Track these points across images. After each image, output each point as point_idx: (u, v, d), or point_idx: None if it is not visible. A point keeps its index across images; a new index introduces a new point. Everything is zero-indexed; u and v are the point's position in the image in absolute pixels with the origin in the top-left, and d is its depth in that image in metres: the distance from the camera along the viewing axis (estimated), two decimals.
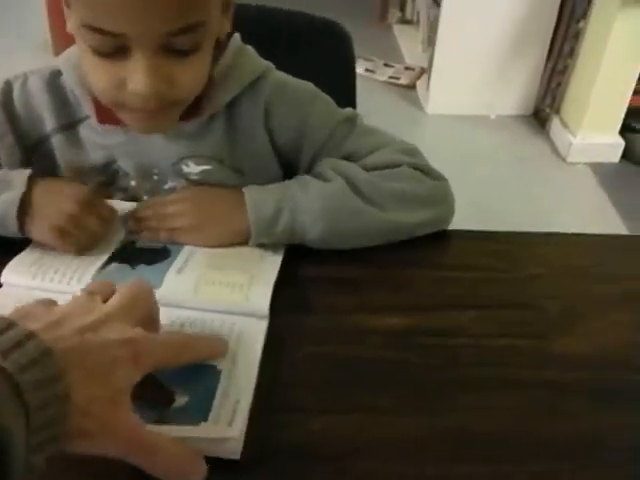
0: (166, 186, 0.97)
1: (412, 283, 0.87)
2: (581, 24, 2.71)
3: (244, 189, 0.89)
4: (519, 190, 2.49)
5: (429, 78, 3.04)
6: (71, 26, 0.80)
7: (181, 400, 0.67)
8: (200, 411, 0.65)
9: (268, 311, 0.78)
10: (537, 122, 3.03)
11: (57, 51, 2.98)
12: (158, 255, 0.86)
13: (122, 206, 0.92)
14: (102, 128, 0.93)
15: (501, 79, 2.99)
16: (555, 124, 2.88)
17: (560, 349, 0.79)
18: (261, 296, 0.79)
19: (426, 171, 0.95)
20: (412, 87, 3.20)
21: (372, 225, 0.89)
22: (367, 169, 0.92)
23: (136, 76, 0.77)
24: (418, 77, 3.22)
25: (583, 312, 0.85)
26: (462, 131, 2.78)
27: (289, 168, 0.98)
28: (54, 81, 0.93)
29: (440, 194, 0.95)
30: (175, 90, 0.80)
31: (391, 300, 0.84)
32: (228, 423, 0.64)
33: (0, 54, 3.26)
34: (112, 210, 0.89)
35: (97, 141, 0.94)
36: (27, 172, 0.85)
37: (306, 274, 0.86)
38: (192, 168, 0.95)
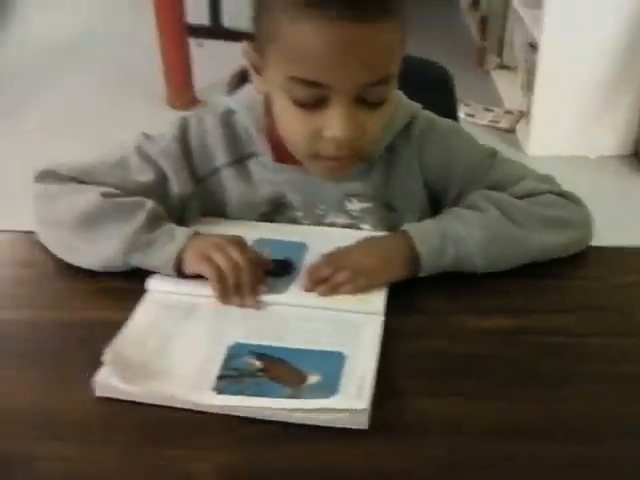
0: (328, 219, 1.08)
1: (511, 290, 0.97)
2: None
3: (407, 227, 0.97)
4: (621, 229, 2.51)
5: (529, 121, 3.11)
6: (270, 83, 0.93)
7: (312, 379, 0.78)
8: (330, 387, 0.77)
9: (384, 309, 0.89)
10: (637, 161, 3.05)
11: (171, 102, 3.20)
12: (282, 266, 0.97)
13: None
14: (274, 165, 1.04)
15: (599, 120, 3.03)
16: None
17: None
18: (377, 297, 0.91)
19: (567, 197, 1.04)
20: (512, 130, 3.26)
21: (526, 249, 0.98)
22: (515, 198, 1.01)
23: (334, 123, 0.88)
24: (517, 120, 3.29)
25: None
26: (563, 172, 2.74)
27: (435, 203, 1.08)
28: (227, 119, 1.06)
29: (582, 218, 1.05)
30: (364, 139, 0.92)
31: (492, 304, 0.94)
32: (356, 397, 0.75)
33: (119, 106, 3.47)
34: (254, 252, 0.96)
35: (267, 177, 1.06)
36: (190, 231, 0.95)
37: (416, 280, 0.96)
38: (355, 205, 1.07)
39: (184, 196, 1.05)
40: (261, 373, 0.80)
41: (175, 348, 0.84)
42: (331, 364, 0.81)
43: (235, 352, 0.83)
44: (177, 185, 1.04)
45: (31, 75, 3.84)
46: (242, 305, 0.90)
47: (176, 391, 0.77)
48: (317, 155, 0.93)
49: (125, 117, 3.20)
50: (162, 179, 1.04)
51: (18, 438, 0.75)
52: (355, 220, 1.08)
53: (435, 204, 1.09)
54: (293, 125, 0.93)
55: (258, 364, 0.81)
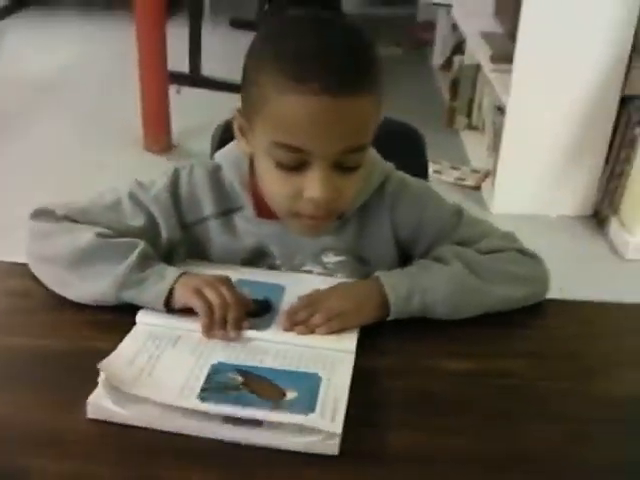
0: (304, 268, 1.16)
1: (474, 335, 1.06)
2: (637, 130, 2.88)
3: (379, 274, 1.06)
4: (578, 287, 2.61)
5: (494, 180, 3.24)
6: (254, 145, 1.01)
7: (291, 395, 0.86)
8: (307, 404, 0.84)
9: (355, 348, 0.98)
10: (596, 222, 3.17)
11: (148, 146, 3.29)
12: (262, 306, 1.05)
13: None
14: (256, 220, 1.13)
15: (562, 181, 3.16)
16: (614, 224, 3.02)
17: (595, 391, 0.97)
18: (349, 337, 1.00)
19: (527, 254, 1.14)
20: (477, 188, 3.38)
21: (485, 300, 1.07)
22: (479, 253, 1.10)
23: (313, 185, 0.96)
24: (483, 179, 3.41)
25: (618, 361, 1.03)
26: (525, 229, 2.84)
27: (405, 256, 1.17)
28: (215, 173, 1.14)
29: (539, 274, 1.14)
30: (340, 200, 1.00)
31: (457, 348, 1.03)
32: (331, 418, 0.82)
33: (95, 145, 3.56)
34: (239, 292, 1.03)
35: (250, 229, 1.14)
36: (179, 271, 1.03)
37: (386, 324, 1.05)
38: (330, 258, 1.16)
39: (172, 241, 1.13)
40: (242, 387, 0.88)
41: (162, 366, 0.91)
42: (307, 383, 0.89)
43: (218, 369, 0.91)
44: (166, 230, 1.11)
45: (12, 112, 3.90)
46: (225, 339, 0.97)
47: (163, 398, 0.84)
48: (297, 214, 1.01)
49: (103, 160, 3.28)
50: (152, 224, 1.11)
51: (15, 455, 0.81)
52: (330, 271, 1.16)
53: (404, 256, 1.18)
54: (275, 186, 1.01)
55: (240, 379, 0.89)
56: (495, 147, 3.32)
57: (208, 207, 1.13)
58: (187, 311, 1.00)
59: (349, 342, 0.99)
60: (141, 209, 1.11)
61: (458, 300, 1.05)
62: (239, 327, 0.98)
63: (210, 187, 1.13)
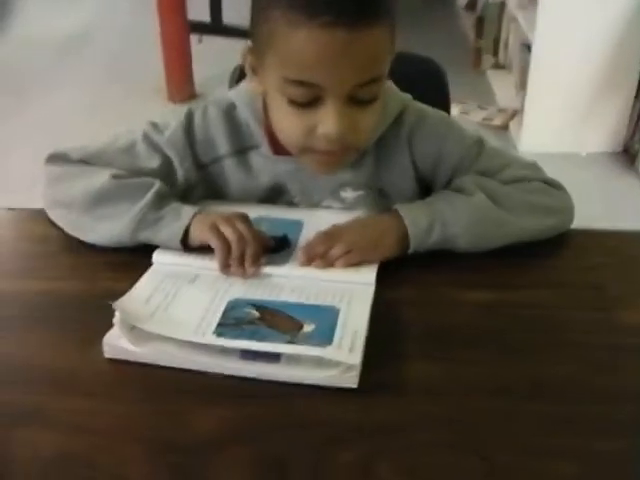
0: (323, 204, 1.15)
1: (496, 267, 1.04)
2: None
3: (398, 207, 1.04)
4: (608, 221, 2.57)
5: (522, 119, 3.19)
6: (267, 83, 0.98)
7: (308, 327, 0.85)
8: (325, 336, 0.83)
9: (374, 280, 0.96)
10: (627, 158, 3.12)
11: (171, 96, 3.26)
12: (280, 242, 1.03)
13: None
14: (273, 157, 1.11)
15: (591, 118, 3.10)
16: None
17: (619, 320, 0.95)
18: (368, 269, 0.98)
19: (551, 184, 1.11)
20: (505, 128, 3.33)
21: (509, 232, 1.04)
22: (502, 184, 1.07)
23: (327, 121, 0.94)
24: (511, 118, 3.36)
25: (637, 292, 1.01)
26: (554, 168, 2.84)
27: (425, 188, 1.15)
28: (230, 112, 1.11)
29: (564, 204, 1.11)
30: (357, 135, 0.97)
31: (478, 279, 1.01)
32: (349, 350, 0.81)
33: (118, 99, 3.56)
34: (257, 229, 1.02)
35: (266, 167, 1.12)
36: (196, 209, 1.02)
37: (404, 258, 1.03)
38: (349, 193, 1.14)
39: (188, 182, 1.12)
40: (259, 321, 0.87)
41: (178, 303, 0.91)
42: (325, 316, 0.88)
43: (235, 305, 0.90)
44: (182, 171, 1.10)
45: (34, 73, 3.90)
46: (243, 275, 0.96)
47: (179, 335, 0.83)
48: (311, 150, 0.99)
49: (127, 111, 3.25)
50: (168, 166, 1.10)
51: (33, 393, 0.82)
52: (349, 206, 1.14)
53: (425, 189, 1.15)
54: (288, 123, 0.98)
55: (256, 314, 0.88)
56: (522, 85, 3.26)
57: (223, 146, 1.12)
58: (205, 250, 0.99)
59: (368, 274, 0.97)
60: (156, 151, 1.09)
61: (481, 232, 1.03)
62: (256, 263, 0.97)
63: (225, 126, 1.11)
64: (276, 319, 0.87)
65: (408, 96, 1.14)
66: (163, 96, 3.52)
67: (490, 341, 0.90)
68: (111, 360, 0.85)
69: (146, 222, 1.01)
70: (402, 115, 1.12)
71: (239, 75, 1.37)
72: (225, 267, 0.97)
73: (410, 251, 1.02)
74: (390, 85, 1.11)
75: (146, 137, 1.10)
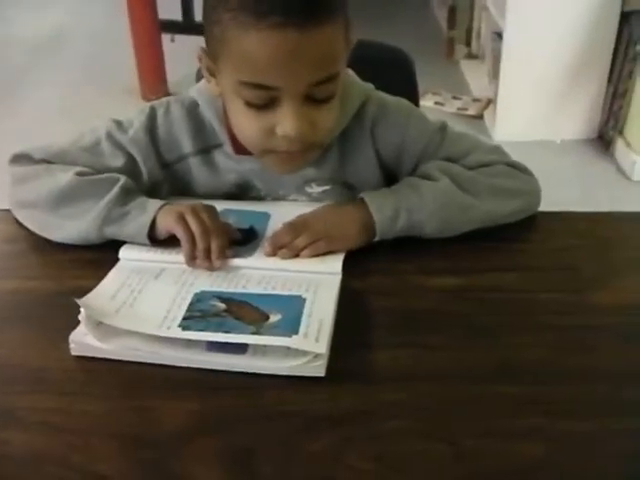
0: (289, 198, 1.15)
1: (462, 252, 1.04)
2: (639, 47, 2.81)
3: (364, 196, 1.04)
4: (586, 207, 2.57)
5: (495, 108, 3.19)
6: (223, 86, 0.97)
7: (274, 318, 0.85)
8: (291, 326, 0.83)
9: (341, 269, 0.96)
10: (601, 144, 3.13)
11: (144, 95, 3.24)
12: (247, 234, 1.03)
13: None
14: (237, 157, 1.10)
15: (565, 105, 3.11)
16: (619, 145, 2.97)
17: (592, 301, 0.95)
18: (335, 259, 0.99)
19: (516, 167, 1.11)
20: (480, 117, 3.34)
21: (475, 216, 1.04)
22: (466, 168, 1.07)
23: (285, 122, 0.93)
24: (485, 107, 3.37)
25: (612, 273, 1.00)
26: (529, 156, 2.84)
27: (390, 177, 1.14)
28: (193, 110, 1.11)
29: (529, 186, 1.11)
30: (316, 133, 0.97)
31: (444, 265, 1.01)
32: (315, 339, 0.81)
33: (91, 99, 3.53)
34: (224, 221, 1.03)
35: (231, 166, 1.12)
36: (162, 202, 1.02)
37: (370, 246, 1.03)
38: (315, 189, 1.14)
39: (153, 180, 1.11)
40: (225, 313, 0.87)
41: (144, 299, 0.91)
42: (291, 306, 0.88)
43: (200, 297, 0.90)
44: (146, 170, 1.10)
45: (7, 73, 3.87)
46: (209, 268, 0.96)
47: (144, 329, 0.83)
48: (272, 150, 0.99)
49: (101, 111, 3.21)
50: (132, 164, 1.09)
51: (3, 393, 0.81)
52: (316, 200, 1.14)
53: (390, 178, 1.15)
54: (246, 125, 0.98)
55: (222, 306, 0.88)
56: (495, 74, 3.27)
57: (187, 145, 1.11)
58: (172, 244, 0.99)
59: (334, 263, 0.97)
60: (119, 150, 1.09)
61: (446, 217, 1.03)
62: (222, 256, 0.97)
63: (188, 124, 1.11)
64: (242, 310, 0.87)
65: (370, 86, 1.14)
66: (136, 96, 3.50)
67: (456, 326, 0.90)
68: (79, 357, 0.84)
69: (112, 217, 1.00)
70: (364, 106, 1.11)
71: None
72: (191, 259, 0.97)
73: (376, 239, 1.02)
74: (351, 76, 1.11)
75: (110, 136, 1.09)
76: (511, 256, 1.04)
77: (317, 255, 0.99)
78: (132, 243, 1.02)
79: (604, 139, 3.12)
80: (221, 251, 0.97)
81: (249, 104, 0.94)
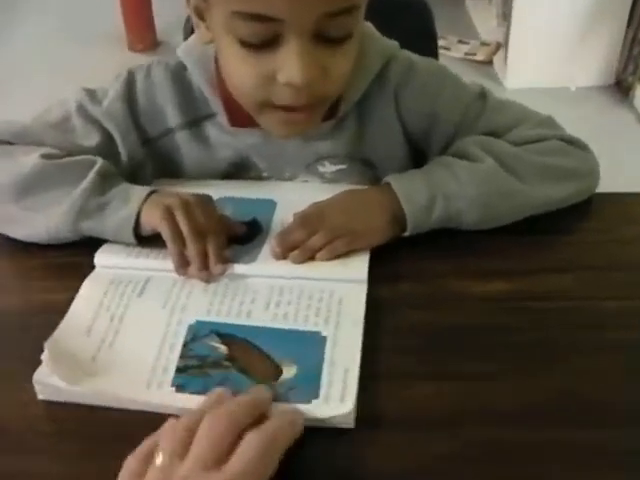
0: (298, 179, 0.97)
1: (508, 248, 0.86)
2: None
3: (390, 180, 0.86)
4: (605, 161, 2.42)
5: (506, 52, 3.00)
6: (214, 27, 0.79)
7: (288, 372, 0.68)
8: (310, 385, 0.66)
9: (367, 275, 0.79)
10: (620, 91, 2.95)
11: (131, 45, 3.03)
12: (249, 229, 0.86)
13: None
14: (232, 129, 0.92)
15: (580, 50, 2.93)
16: (639, 91, 2.80)
17: None
18: (359, 261, 0.81)
19: (573, 143, 0.93)
20: (489, 62, 3.16)
21: (524, 203, 0.87)
22: (513, 145, 0.89)
23: (290, 64, 0.74)
24: (494, 52, 3.18)
25: None
26: (543, 104, 2.67)
27: (419, 154, 0.96)
28: (179, 74, 0.93)
29: (587, 166, 0.94)
30: (327, 82, 0.78)
31: (490, 265, 0.84)
32: (340, 399, 0.65)
33: (75, 45, 3.34)
34: (223, 215, 0.86)
35: (226, 141, 0.94)
36: (148, 190, 0.85)
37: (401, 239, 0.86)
38: (328, 168, 0.96)
39: (134, 160, 0.94)
40: (228, 362, 0.69)
41: (126, 333, 0.73)
42: (309, 349, 0.70)
43: (196, 333, 0.73)
44: (125, 148, 0.93)
45: None
46: (204, 279, 0.79)
47: (129, 390, 0.67)
48: (272, 106, 0.81)
49: (87, 63, 3.06)
50: (109, 142, 0.92)
51: None
52: (329, 182, 0.97)
53: (419, 156, 0.97)
54: (241, 72, 0.79)
55: (223, 349, 0.71)
56: (506, 16, 3.08)
57: (173, 116, 0.94)
58: (162, 243, 0.81)
59: (359, 268, 0.80)
60: (93, 125, 0.92)
61: (490, 204, 0.85)
62: (221, 260, 0.80)
63: (173, 92, 0.93)
64: (249, 359, 0.70)
65: (394, 44, 0.95)
66: (123, 45, 3.29)
67: (507, 347, 0.73)
68: (47, 402, 0.68)
69: (88, 210, 0.83)
70: (387, 68, 0.93)
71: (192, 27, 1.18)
72: (181, 267, 0.79)
73: (406, 233, 0.85)
74: (371, 31, 0.93)
75: (81, 108, 0.92)
76: (567, 252, 0.87)
77: (336, 257, 0.81)
78: (113, 242, 0.85)
79: (622, 86, 2.95)
80: (219, 254, 0.80)
81: (245, 43, 0.76)
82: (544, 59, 2.94)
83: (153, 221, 0.81)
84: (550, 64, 2.95)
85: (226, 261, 0.80)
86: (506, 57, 3.00)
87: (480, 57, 3.18)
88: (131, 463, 0.57)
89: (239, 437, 0.57)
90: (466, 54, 3.20)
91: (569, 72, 2.95)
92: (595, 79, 2.99)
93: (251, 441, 0.56)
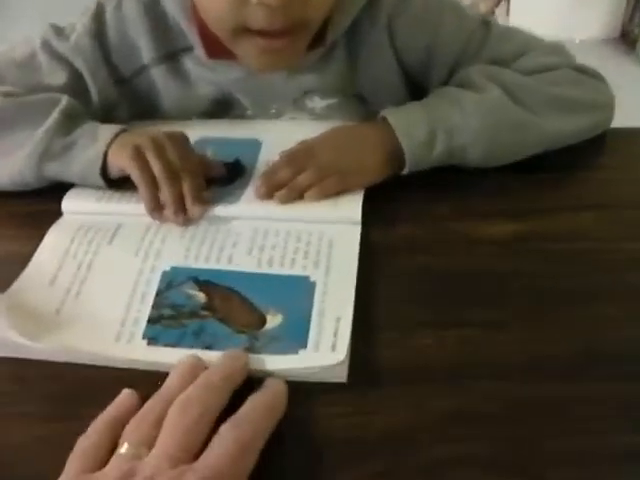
0: (285, 116, 0.89)
1: (516, 187, 0.79)
2: None
3: (386, 114, 0.79)
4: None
5: (508, 4, 2.94)
6: None
7: (273, 320, 0.60)
8: (297, 335, 0.59)
9: (360, 216, 0.71)
10: (625, 44, 2.86)
11: None
12: (232, 170, 0.79)
13: None
14: (211, 62, 0.85)
15: (584, 1, 2.84)
16: None
17: None
18: (352, 200, 0.73)
19: (584, 71, 0.85)
20: (491, 13, 3.07)
21: (534, 137, 0.79)
22: (521, 74, 0.82)
23: None
24: (497, 4, 3.10)
25: None
26: None
27: (417, 89, 0.89)
28: (152, 4, 0.85)
29: (602, 97, 0.86)
30: (307, 5, 0.71)
31: (498, 204, 0.76)
32: (331, 347, 0.57)
33: None
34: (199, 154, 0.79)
35: (206, 76, 0.86)
36: (117, 128, 0.77)
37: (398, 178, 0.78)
38: (317, 102, 0.88)
39: (106, 101, 0.87)
40: (206, 312, 0.62)
41: (94, 282, 0.66)
42: (296, 296, 0.63)
43: (171, 280, 0.65)
44: (95, 87, 0.86)
45: None
46: (180, 222, 0.72)
47: (96, 345, 0.59)
48: (246, 31, 0.73)
49: None
50: (77, 81, 0.85)
51: None
52: (320, 119, 0.90)
53: (416, 92, 0.89)
54: None
55: (201, 297, 0.64)
56: None
57: (147, 52, 0.86)
58: (134, 186, 0.74)
59: (352, 208, 0.72)
60: (60, 62, 0.85)
61: (497, 139, 0.78)
62: (199, 200, 0.72)
63: (146, 24, 0.85)
64: (229, 307, 0.62)
65: None
66: None
67: (518, 293, 0.65)
68: (5, 360, 0.60)
69: (53, 151, 0.76)
70: None
71: None
72: (154, 210, 0.72)
73: (404, 172, 0.77)
74: None
75: (46, 45, 0.85)
76: (581, 190, 0.79)
77: (327, 196, 0.74)
78: (80, 186, 0.77)
79: (628, 38, 2.87)
80: (197, 195, 0.72)
81: None
82: (547, 11, 2.86)
83: (121, 162, 0.74)
84: (553, 16, 2.87)
85: (205, 203, 0.73)
86: (508, 9, 2.94)
87: (482, 8, 3.09)
88: (84, 443, 0.50)
89: (211, 426, 0.50)
90: (466, 6, 3.11)
91: (573, 24, 2.88)
92: (599, 31, 2.92)
93: (227, 436, 0.48)
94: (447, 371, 0.58)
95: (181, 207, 0.72)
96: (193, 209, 0.72)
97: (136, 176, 0.72)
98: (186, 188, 0.72)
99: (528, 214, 0.74)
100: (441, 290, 0.66)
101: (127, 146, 0.73)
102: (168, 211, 0.72)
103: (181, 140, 0.76)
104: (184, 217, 0.71)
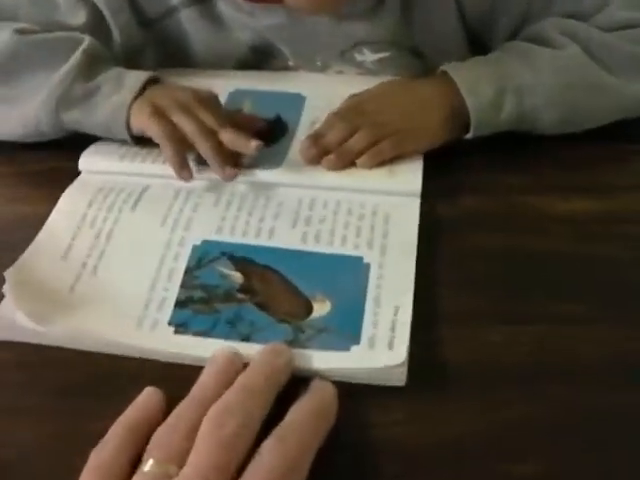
0: (332, 69, 0.82)
1: (596, 159, 0.71)
2: None
3: (447, 68, 0.71)
4: None
5: None
6: None
7: (321, 308, 0.53)
8: (348, 326, 0.51)
9: (420, 187, 0.63)
10: None
11: None
12: (273, 129, 0.71)
13: None
14: (249, 6, 0.77)
15: None
16: None
17: None
18: (410, 169, 0.65)
19: None
20: None
21: (615, 101, 0.72)
22: (600, 30, 0.73)
23: None
24: None
25: None
26: None
27: (480, 47, 0.80)
28: None
29: None
30: None
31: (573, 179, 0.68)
32: (388, 345, 0.50)
33: None
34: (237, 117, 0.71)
35: (242, 20, 0.79)
36: (145, 75, 0.70)
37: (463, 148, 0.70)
38: (368, 56, 0.80)
39: (129, 44, 0.80)
40: (242, 295, 0.54)
41: (114, 256, 0.59)
42: (347, 280, 0.55)
43: (203, 256, 0.58)
44: (118, 28, 0.78)
45: None
46: (231, 175, 0.64)
47: (115, 331, 0.52)
48: None
49: None
50: (98, 21, 0.78)
51: None
52: (369, 74, 0.82)
53: (479, 50, 0.80)
54: None
55: (238, 277, 0.56)
56: None
57: None
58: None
59: (411, 178, 0.65)
60: (81, 1, 0.76)
61: (575, 102, 0.70)
62: (235, 162, 0.65)
63: None
64: (269, 290, 0.54)
65: None
66: None
67: (604, 282, 0.57)
68: (9, 345, 0.53)
69: (73, 95, 0.69)
70: None
71: None
72: (182, 169, 0.65)
73: (468, 136, 0.69)
74: None
75: None
76: None
77: (382, 164, 0.66)
78: (101, 141, 0.70)
79: None
80: (230, 153, 0.65)
81: None
82: None
83: (141, 119, 0.67)
84: None
85: (239, 165, 0.65)
86: None
87: None
88: (100, 455, 0.42)
89: (254, 437, 0.42)
90: None
91: None
92: None
93: (271, 454, 0.40)
94: (519, 374, 0.51)
95: (226, 158, 0.64)
96: (227, 170, 0.64)
97: (155, 132, 0.66)
98: (226, 137, 0.64)
99: (609, 191, 0.66)
100: (512, 276, 0.58)
101: (149, 105, 0.67)
102: (212, 166, 0.64)
103: (211, 100, 0.69)
104: (234, 170, 0.64)
